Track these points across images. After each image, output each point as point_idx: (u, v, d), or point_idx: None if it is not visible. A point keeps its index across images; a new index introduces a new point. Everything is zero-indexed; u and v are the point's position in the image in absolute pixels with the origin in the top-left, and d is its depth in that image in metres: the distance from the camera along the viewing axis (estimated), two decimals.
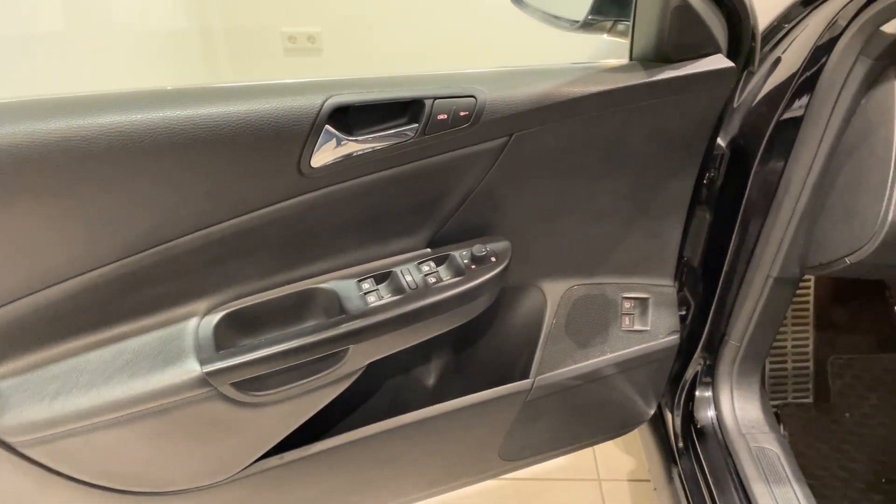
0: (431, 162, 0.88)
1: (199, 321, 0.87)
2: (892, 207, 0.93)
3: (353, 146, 0.83)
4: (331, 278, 0.92)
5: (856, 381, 1.58)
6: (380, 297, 0.90)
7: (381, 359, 0.94)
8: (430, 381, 1.13)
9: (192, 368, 0.83)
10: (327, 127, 0.80)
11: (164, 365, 0.84)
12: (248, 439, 0.94)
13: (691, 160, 1.04)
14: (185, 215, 0.80)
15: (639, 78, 0.90)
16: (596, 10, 0.94)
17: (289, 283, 0.92)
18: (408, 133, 0.84)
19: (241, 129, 0.77)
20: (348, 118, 0.82)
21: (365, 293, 0.90)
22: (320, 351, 0.87)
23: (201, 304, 0.88)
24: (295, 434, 0.97)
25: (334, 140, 0.81)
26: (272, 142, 0.78)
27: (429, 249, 0.97)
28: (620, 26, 0.96)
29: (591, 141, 0.96)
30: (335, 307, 0.89)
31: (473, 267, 0.93)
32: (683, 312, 1.24)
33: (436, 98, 0.83)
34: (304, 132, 0.79)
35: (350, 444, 1.00)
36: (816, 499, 1.12)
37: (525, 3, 1.04)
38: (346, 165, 0.83)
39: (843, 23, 0.95)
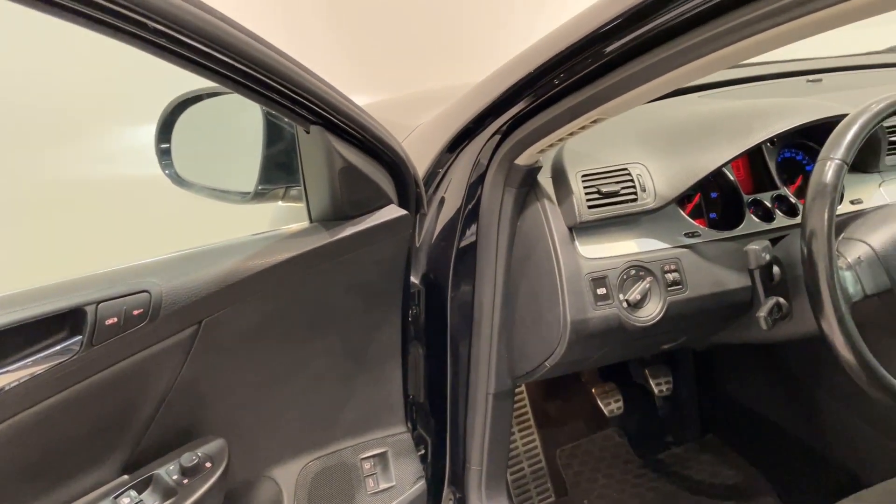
0: (109, 374, 0.75)
1: None
2: (568, 310, 1.04)
3: (1, 379, 0.66)
4: None
5: (583, 466, 1.71)
6: None
7: None
8: None
9: None
10: None
11: None
12: None
13: (392, 303, 1.05)
14: None
15: (322, 239, 0.89)
16: (265, 179, 0.93)
17: None
18: (71, 348, 0.70)
19: None
20: None
21: None
22: None
23: None
24: None
25: None
26: None
27: (126, 476, 0.81)
28: (293, 191, 0.96)
29: (291, 308, 0.91)
30: None
31: (186, 481, 0.79)
32: (423, 452, 1.22)
33: (99, 302, 0.72)
34: None
35: None
36: None
37: (189, 183, 1.00)
38: None
39: (484, 161, 1.08)
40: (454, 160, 1.14)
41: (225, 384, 0.88)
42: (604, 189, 1.06)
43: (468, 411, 1.23)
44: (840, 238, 1.00)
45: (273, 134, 0.99)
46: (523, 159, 1.03)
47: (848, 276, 0.94)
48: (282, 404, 0.97)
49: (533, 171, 1.06)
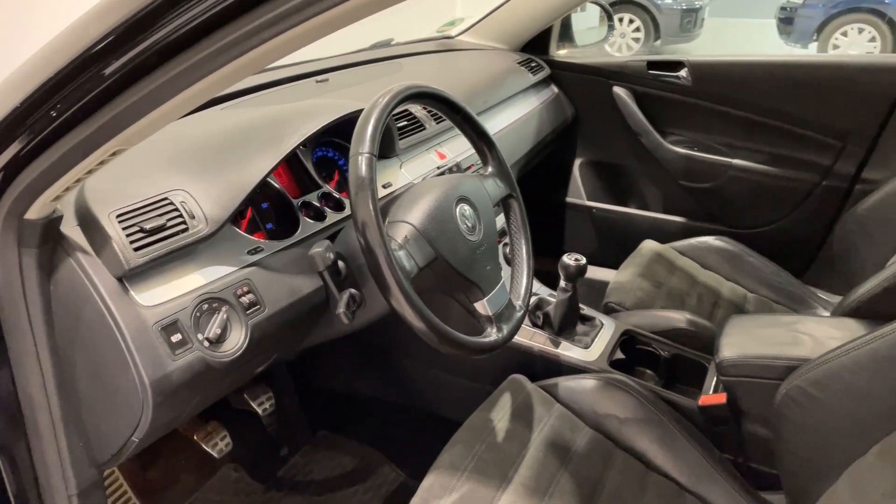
0: None
1: None
2: (142, 370, 0.90)
3: None
4: None
5: None
6: None
7: None
8: None
9: None
10: None
11: None
12: None
13: None
14: None
15: None
16: None
17: None
18: None
19: None
20: None
21: None
22: None
23: None
24: None
25: None
26: None
27: None
28: None
29: None
30: None
31: None
32: None
33: None
34: None
35: None
36: None
37: None
38: None
39: None
40: None
41: None
42: (147, 226, 0.94)
43: None
44: (386, 223, 1.09)
45: None
46: (35, 212, 0.83)
47: (402, 255, 1.02)
48: None
49: (52, 223, 0.87)
